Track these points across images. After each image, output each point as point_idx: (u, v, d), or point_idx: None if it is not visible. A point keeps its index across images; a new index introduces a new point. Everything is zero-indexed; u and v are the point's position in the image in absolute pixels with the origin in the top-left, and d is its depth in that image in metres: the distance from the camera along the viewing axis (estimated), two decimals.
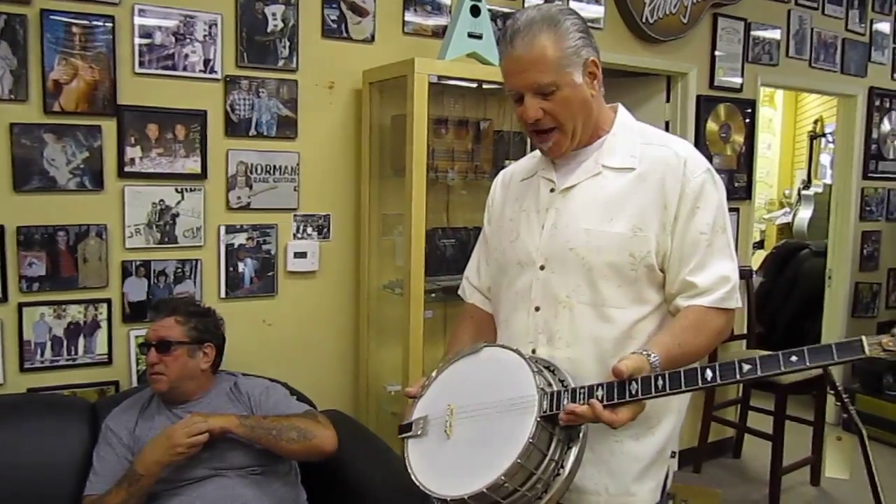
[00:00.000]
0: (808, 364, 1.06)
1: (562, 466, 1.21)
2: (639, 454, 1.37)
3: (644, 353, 1.21)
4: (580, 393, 1.20)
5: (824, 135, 6.51)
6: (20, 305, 2.19)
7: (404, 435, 1.38)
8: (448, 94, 2.74)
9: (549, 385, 1.24)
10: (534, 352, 1.39)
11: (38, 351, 2.23)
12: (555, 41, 1.32)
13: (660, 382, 1.14)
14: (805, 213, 6.29)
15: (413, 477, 1.30)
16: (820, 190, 6.26)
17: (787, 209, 6.85)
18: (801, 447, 3.70)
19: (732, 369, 1.10)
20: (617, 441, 1.34)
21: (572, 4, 3.12)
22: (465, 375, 1.37)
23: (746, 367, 1.09)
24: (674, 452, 1.42)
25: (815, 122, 6.63)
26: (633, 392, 1.16)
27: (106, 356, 2.32)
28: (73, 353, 2.28)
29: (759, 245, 6.61)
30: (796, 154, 7.20)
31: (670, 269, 1.36)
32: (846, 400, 1.85)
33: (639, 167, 1.38)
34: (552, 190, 1.44)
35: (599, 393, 1.17)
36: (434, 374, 1.43)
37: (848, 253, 4.52)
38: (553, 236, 1.41)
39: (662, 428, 1.39)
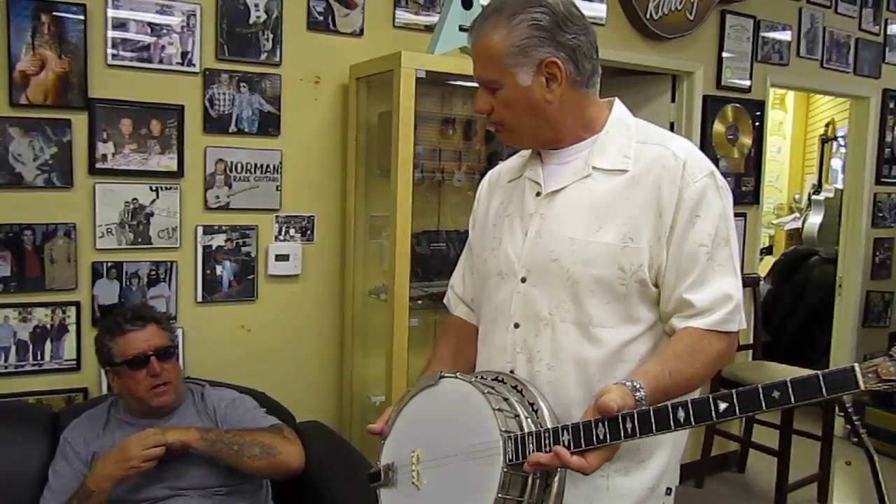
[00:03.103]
0: (792, 401, 0.92)
1: None
2: (626, 491, 1.23)
3: (629, 384, 1.08)
4: (545, 438, 1.07)
5: (836, 138, 6.36)
6: None
7: (374, 485, 1.30)
8: (441, 91, 2.62)
9: (516, 416, 1.13)
10: (512, 372, 1.27)
11: (2, 356, 2.12)
12: (504, 36, 1.21)
13: (628, 425, 1.01)
14: (815, 219, 6.14)
15: None
16: (831, 195, 6.10)
17: (797, 214, 6.70)
18: (809, 462, 3.55)
19: (707, 409, 0.97)
20: (602, 476, 1.21)
21: None
22: (426, 413, 1.27)
23: (723, 405, 0.96)
24: (669, 489, 1.28)
25: (827, 124, 6.48)
26: (601, 437, 1.03)
27: (74, 362, 2.21)
28: (39, 358, 2.17)
29: (768, 251, 6.47)
30: (807, 158, 7.05)
31: (665, 284, 1.22)
32: (857, 423, 1.71)
33: (632, 168, 1.24)
34: (538, 194, 1.31)
35: (565, 437, 1.06)
36: (396, 407, 1.33)
37: (859, 260, 4.39)
38: (536, 245, 1.27)
39: (655, 462, 1.25)
